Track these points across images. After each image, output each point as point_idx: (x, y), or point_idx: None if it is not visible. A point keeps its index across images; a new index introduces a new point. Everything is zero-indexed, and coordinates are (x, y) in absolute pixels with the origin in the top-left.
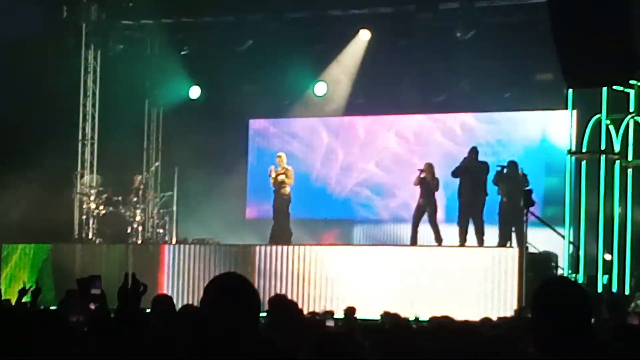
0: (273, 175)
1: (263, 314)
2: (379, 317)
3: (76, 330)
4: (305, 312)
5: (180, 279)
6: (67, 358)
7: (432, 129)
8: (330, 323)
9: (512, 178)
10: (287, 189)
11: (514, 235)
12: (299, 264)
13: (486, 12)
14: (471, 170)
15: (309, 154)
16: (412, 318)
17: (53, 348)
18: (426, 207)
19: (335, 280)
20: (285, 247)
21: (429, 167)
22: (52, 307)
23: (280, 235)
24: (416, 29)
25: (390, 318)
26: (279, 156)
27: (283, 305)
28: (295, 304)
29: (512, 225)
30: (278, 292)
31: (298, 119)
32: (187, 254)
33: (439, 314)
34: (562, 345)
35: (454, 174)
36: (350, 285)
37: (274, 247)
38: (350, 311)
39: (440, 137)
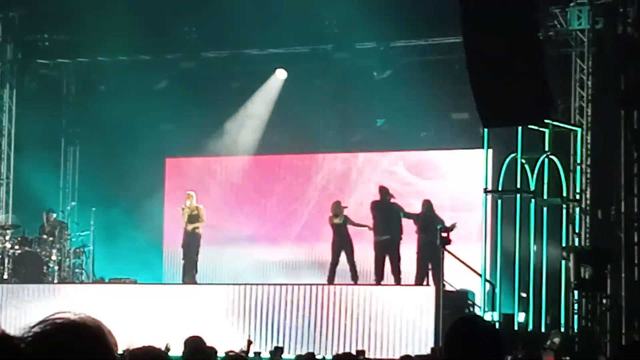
0: (186, 212)
1: (178, 354)
2: (293, 357)
3: None
4: (221, 350)
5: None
6: None
7: (348, 168)
8: None
9: (428, 217)
10: (199, 229)
11: (430, 273)
12: (212, 302)
13: (402, 51)
14: (385, 209)
15: (226, 192)
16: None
17: None
18: (342, 245)
19: (248, 318)
20: (198, 287)
21: (337, 206)
22: None
23: (189, 273)
24: (333, 68)
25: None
26: (189, 195)
27: (198, 345)
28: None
29: (429, 263)
30: (193, 332)
31: (214, 158)
32: (103, 294)
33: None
34: None
35: (371, 211)
36: (262, 323)
37: (187, 286)
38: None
39: (356, 175)
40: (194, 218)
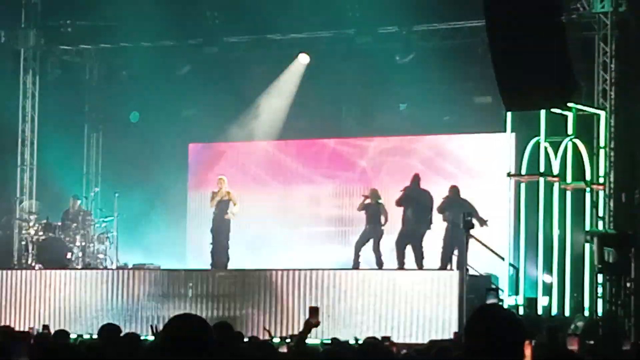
0: (216, 197)
1: None
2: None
3: None
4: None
5: (122, 305)
6: None
7: (372, 153)
8: (283, 349)
9: (455, 202)
10: (229, 214)
11: (455, 258)
12: (240, 288)
13: (425, 35)
14: (415, 198)
15: (249, 178)
16: (352, 341)
17: None
18: (372, 234)
19: (277, 304)
20: (225, 272)
21: (374, 193)
22: None
23: (219, 259)
24: (355, 53)
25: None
26: (221, 179)
27: (226, 330)
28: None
29: (454, 248)
30: (218, 317)
31: (238, 143)
32: (127, 279)
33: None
34: None
35: (398, 202)
36: (292, 309)
37: (214, 272)
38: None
39: (382, 160)
40: (224, 203)
